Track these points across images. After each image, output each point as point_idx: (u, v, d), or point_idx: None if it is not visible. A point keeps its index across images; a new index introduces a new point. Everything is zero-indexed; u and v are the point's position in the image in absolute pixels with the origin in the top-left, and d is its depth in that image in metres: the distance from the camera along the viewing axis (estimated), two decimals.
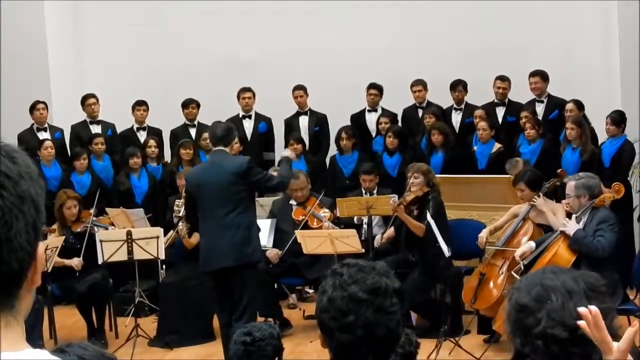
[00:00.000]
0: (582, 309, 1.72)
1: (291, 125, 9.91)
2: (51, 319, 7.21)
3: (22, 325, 1.26)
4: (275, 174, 6.55)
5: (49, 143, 9.06)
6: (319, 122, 9.90)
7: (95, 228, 7.46)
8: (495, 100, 9.45)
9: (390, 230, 7.62)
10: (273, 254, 7.59)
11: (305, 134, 9.82)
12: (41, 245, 1.27)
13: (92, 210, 7.58)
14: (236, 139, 9.10)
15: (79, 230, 7.49)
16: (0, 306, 1.21)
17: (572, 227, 6.12)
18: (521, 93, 9.35)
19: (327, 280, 2.08)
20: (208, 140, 7.80)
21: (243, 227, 6.09)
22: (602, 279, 1.86)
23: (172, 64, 10.73)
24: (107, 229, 7.59)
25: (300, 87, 9.89)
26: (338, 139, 9.31)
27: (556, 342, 1.76)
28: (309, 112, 9.92)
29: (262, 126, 9.95)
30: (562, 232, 6.25)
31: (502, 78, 9.39)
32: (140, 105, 9.91)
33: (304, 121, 9.92)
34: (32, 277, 1.25)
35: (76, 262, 7.32)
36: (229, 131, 6.29)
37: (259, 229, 6.34)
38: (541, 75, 9.14)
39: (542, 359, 1.78)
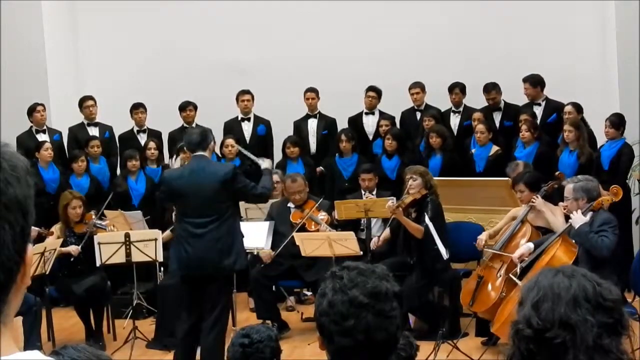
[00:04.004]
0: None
1: (300, 127, 9.90)
2: (49, 321, 7.19)
3: (12, 325, 1.24)
4: (266, 163, 6.55)
5: (48, 145, 9.04)
6: (328, 125, 9.88)
7: (97, 228, 7.48)
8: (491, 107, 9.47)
9: (386, 232, 7.54)
10: (266, 254, 7.57)
11: (313, 137, 9.82)
12: (31, 248, 1.24)
13: (92, 212, 7.61)
14: (232, 141, 9.25)
15: (81, 231, 7.49)
16: None
17: (578, 219, 6.03)
18: (520, 97, 9.34)
19: (327, 283, 2.06)
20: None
21: (226, 236, 6.00)
22: (617, 295, 1.85)
23: (170, 67, 10.74)
24: (107, 230, 7.58)
25: (312, 90, 9.87)
26: (337, 141, 9.30)
27: (522, 337, 1.81)
28: (318, 115, 9.91)
29: (260, 129, 9.94)
30: (561, 235, 6.24)
31: (487, 89, 9.38)
32: (137, 108, 9.92)
33: (312, 124, 9.91)
34: (21, 280, 1.22)
35: (73, 248, 7.31)
36: (205, 135, 6.16)
37: (242, 236, 6.20)
38: (531, 82, 9.10)
39: (512, 350, 1.84)
